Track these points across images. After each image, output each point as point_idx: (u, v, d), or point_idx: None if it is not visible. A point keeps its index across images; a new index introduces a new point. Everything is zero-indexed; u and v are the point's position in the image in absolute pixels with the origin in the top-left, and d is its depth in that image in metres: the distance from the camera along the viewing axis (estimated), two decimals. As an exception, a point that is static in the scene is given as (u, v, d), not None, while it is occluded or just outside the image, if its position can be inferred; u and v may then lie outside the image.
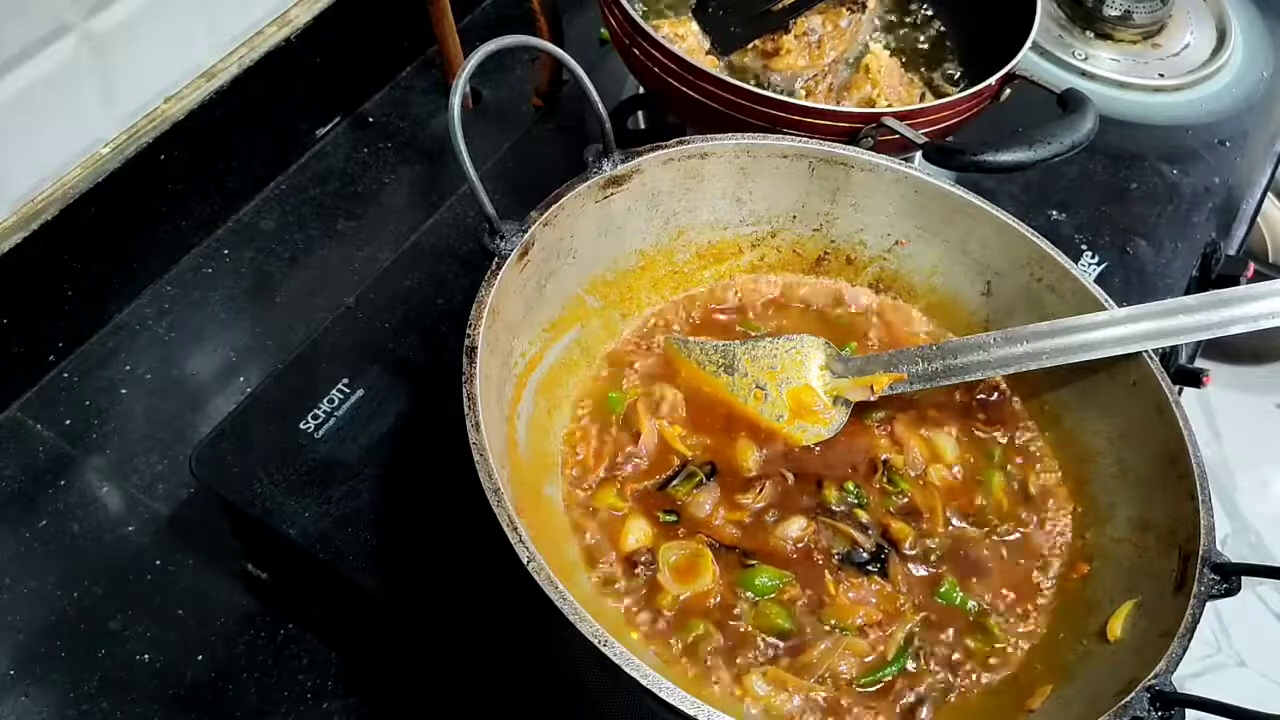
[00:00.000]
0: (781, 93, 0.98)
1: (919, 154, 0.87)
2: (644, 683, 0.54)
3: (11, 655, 0.76)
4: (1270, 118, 1.21)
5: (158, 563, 0.81)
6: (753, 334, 0.82)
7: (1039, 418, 0.80)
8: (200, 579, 0.81)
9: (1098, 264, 1.01)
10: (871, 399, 0.78)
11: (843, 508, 0.74)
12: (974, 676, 0.69)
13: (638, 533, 0.71)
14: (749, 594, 0.69)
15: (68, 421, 0.87)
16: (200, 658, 0.77)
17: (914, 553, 0.73)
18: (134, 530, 0.83)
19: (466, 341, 0.65)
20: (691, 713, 0.54)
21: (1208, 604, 0.64)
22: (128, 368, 0.91)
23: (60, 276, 0.87)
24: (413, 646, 0.78)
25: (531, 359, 0.75)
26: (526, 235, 0.70)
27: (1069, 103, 0.89)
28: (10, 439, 0.86)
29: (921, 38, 1.08)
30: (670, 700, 0.54)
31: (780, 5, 1.04)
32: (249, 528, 0.80)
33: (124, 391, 0.89)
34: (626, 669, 0.54)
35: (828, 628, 0.69)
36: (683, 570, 0.70)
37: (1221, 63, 1.23)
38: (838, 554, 0.72)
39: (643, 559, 0.70)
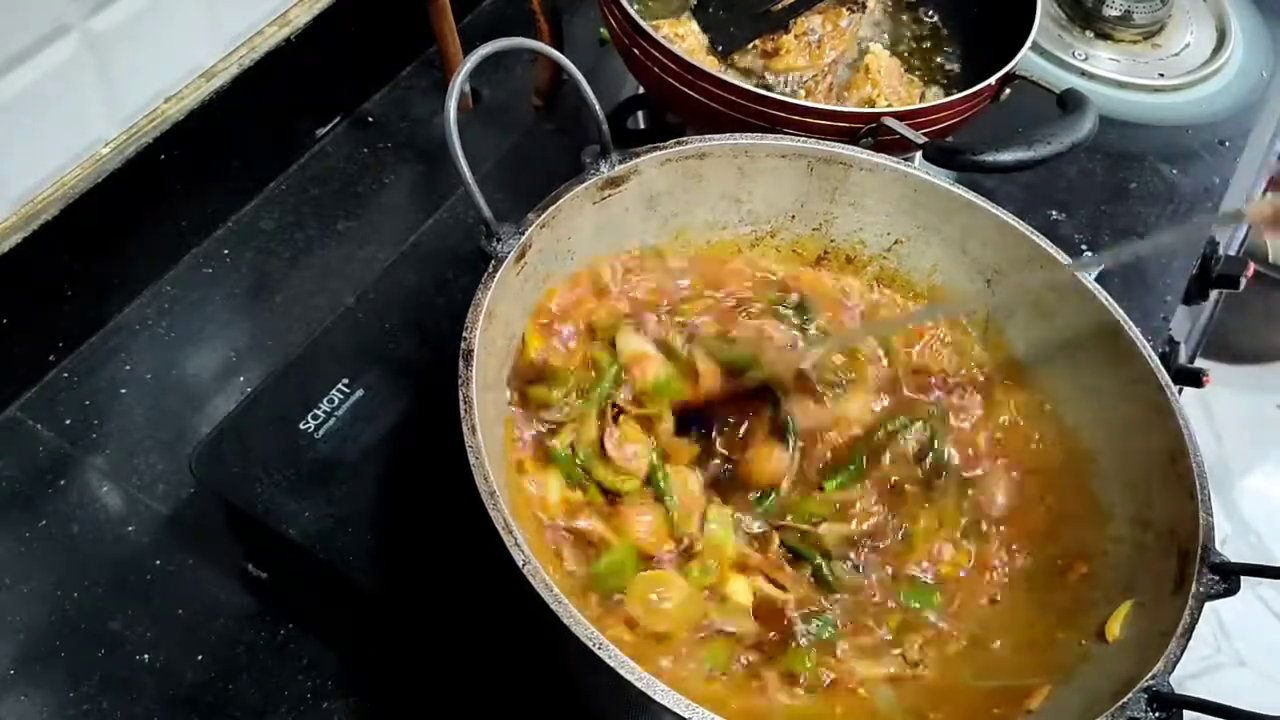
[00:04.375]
0: (781, 93, 0.98)
1: (919, 154, 0.87)
2: (639, 685, 0.54)
3: (11, 655, 0.77)
4: (1270, 118, 1.21)
5: (158, 563, 0.81)
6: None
7: (1039, 417, 0.80)
8: (200, 579, 0.81)
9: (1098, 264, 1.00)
10: None
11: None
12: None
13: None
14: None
15: (68, 421, 0.87)
16: (200, 658, 0.77)
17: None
18: (134, 530, 0.83)
19: (463, 345, 0.65)
20: (685, 714, 0.54)
21: (1207, 604, 0.64)
22: (128, 368, 0.91)
23: (60, 276, 0.87)
24: (413, 646, 0.78)
25: (530, 360, 0.75)
26: (524, 237, 0.70)
27: (1069, 103, 0.89)
28: (10, 439, 0.86)
29: (922, 37, 1.08)
30: (664, 702, 0.54)
31: (780, 5, 1.04)
32: (249, 528, 0.80)
33: (124, 391, 0.89)
34: (621, 671, 0.54)
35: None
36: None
37: (1221, 63, 1.23)
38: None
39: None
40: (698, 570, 0.70)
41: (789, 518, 0.73)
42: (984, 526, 0.76)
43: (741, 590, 0.69)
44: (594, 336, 0.76)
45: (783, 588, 0.70)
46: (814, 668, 0.67)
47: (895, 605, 0.72)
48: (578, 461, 0.71)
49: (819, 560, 0.72)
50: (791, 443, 0.75)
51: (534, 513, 0.69)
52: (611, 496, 0.71)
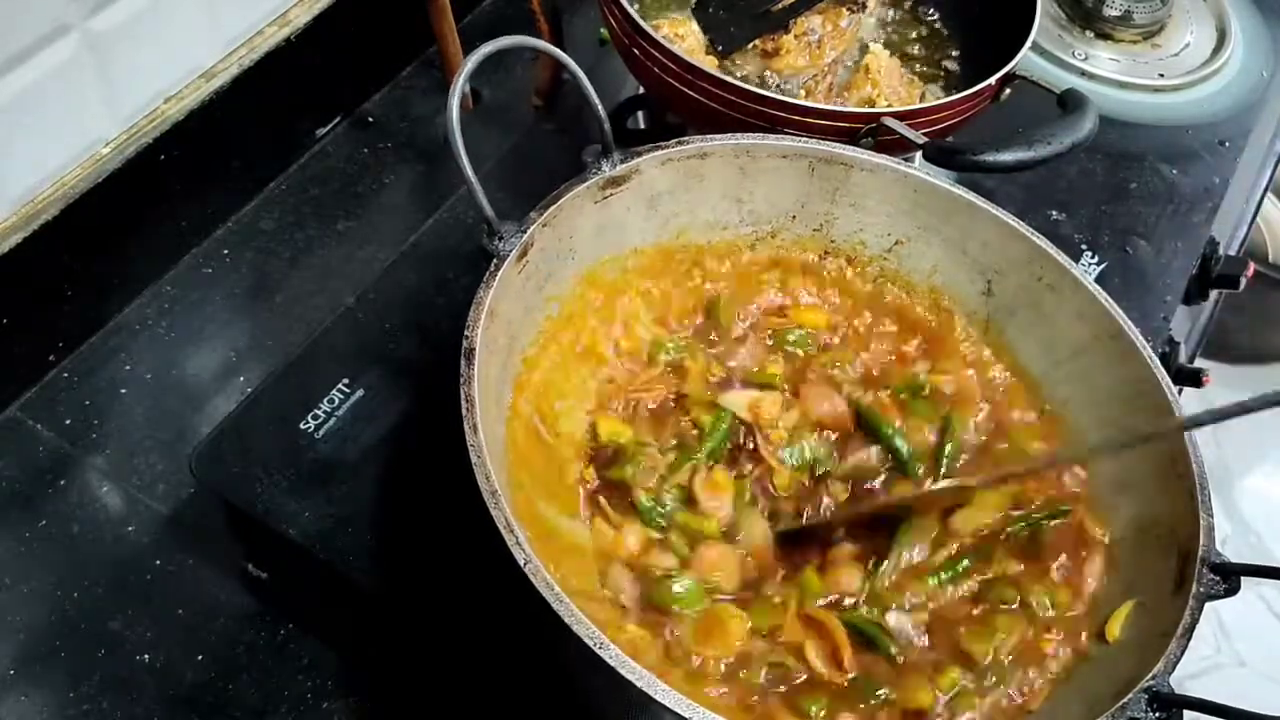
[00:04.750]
0: (781, 93, 0.98)
1: (919, 154, 0.87)
2: (640, 685, 0.54)
3: (11, 655, 0.77)
4: (1270, 118, 1.21)
5: (158, 563, 0.81)
6: None
7: (1040, 418, 0.80)
8: (200, 579, 0.81)
9: (1098, 264, 1.01)
10: None
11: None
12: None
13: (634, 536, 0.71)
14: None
15: (68, 421, 0.87)
16: (200, 658, 0.77)
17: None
18: (134, 530, 0.83)
19: (464, 343, 0.65)
20: (686, 714, 0.54)
21: (1207, 604, 0.64)
22: (128, 368, 0.91)
23: (60, 276, 0.87)
24: (413, 646, 0.78)
25: (531, 360, 0.75)
26: (525, 236, 0.70)
27: (1069, 103, 0.89)
28: (10, 439, 0.86)
29: (922, 37, 1.08)
30: (665, 701, 0.54)
31: (780, 5, 1.04)
32: (249, 528, 0.80)
33: (124, 391, 0.89)
34: (621, 670, 0.54)
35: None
36: (705, 632, 0.67)
37: (1221, 63, 1.23)
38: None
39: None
40: (764, 611, 0.69)
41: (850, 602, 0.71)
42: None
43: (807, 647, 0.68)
44: (683, 406, 0.77)
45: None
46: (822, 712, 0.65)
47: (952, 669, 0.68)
48: (664, 508, 0.72)
49: (893, 650, 0.68)
50: (884, 567, 0.72)
51: (603, 549, 0.70)
52: (691, 536, 0.72)
